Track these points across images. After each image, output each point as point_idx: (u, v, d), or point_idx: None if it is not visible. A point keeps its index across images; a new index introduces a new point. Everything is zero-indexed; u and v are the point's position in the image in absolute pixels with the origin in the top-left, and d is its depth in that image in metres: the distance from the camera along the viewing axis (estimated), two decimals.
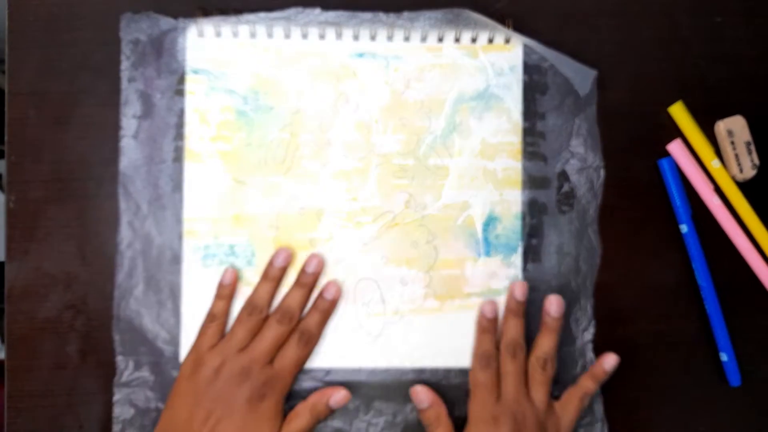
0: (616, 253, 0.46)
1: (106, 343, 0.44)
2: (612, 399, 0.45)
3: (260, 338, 0.42)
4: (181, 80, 0.44)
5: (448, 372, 0.45)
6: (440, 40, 0.45)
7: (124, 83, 0.44)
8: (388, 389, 0.45)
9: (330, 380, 0.44)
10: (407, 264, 0.45)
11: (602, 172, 0.46)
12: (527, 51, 0.46)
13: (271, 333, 0.42)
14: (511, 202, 0.46)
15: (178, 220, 0.44)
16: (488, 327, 0.44)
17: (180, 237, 0.44)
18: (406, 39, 0.45)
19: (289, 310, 0.42)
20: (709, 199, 0.46)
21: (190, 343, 0.43)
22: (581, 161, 0.46)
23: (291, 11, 0.44)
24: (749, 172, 0.46)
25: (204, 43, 0.44)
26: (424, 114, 0.45)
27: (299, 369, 0.43)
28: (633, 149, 0.47)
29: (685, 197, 0.46)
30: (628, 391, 0.46)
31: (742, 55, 0.47)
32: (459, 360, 0.45)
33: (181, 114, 0.44)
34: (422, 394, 0.43)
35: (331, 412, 0.43)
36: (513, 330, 0.43)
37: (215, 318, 0.42)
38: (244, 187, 0.44)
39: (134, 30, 0.44)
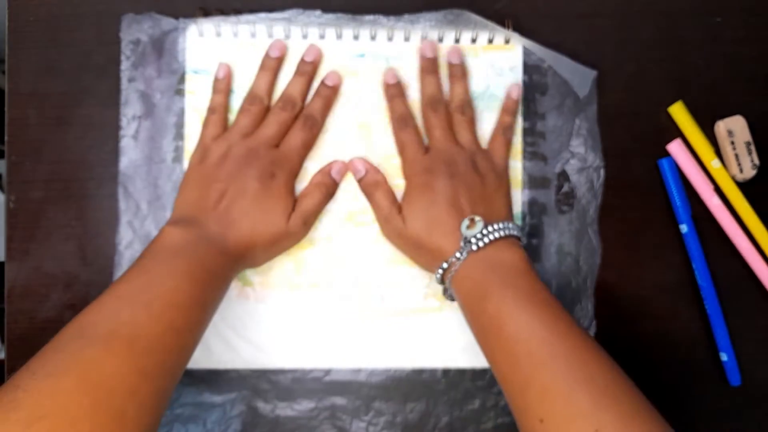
0: (616, 253, 0.46)
1: None
2: None
3: (265, 124, 0.43)
4: (181, 80, 0.44)
5: (447, 372, 0.45)
6: (440, 40, 0.45)
7: (124, 83, 0.44)
8: (388, 389, 0.45)
9: (330, 380, 0.44)
10: (407, 264, 0.45)
11: (602, 172, 0.46)
12: (527, 51, 0.46)
13: (275, 118, 0.43)
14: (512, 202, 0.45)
15: None
16: (396, 92, 0.44)
17: None
18: (407, 39, 0.45)
19: (291, 98, 0.43)
20: (709, 199, 0.46)
21: None
22: (581, 161, 0.46)
23: (291, 12, 0.44)
24: (749, 172, 0.46)
25: (204, 43, 0.44)
26: None
27: (306, 152, 0.44)
28: (633, 149, 0.47)
29: (685, 197, 0.46)
30: None
31: (742, 55, 0.47)
32: (459, 360, 0.45)
33: (180, 114, 0.44)
34: (358, 164, 0.44)
35: (336, 186, 0.44)
36: (430, 86, 0.44)
37: (215, 110, 0.43)
38: None
39: (135, 30, 0.44)
